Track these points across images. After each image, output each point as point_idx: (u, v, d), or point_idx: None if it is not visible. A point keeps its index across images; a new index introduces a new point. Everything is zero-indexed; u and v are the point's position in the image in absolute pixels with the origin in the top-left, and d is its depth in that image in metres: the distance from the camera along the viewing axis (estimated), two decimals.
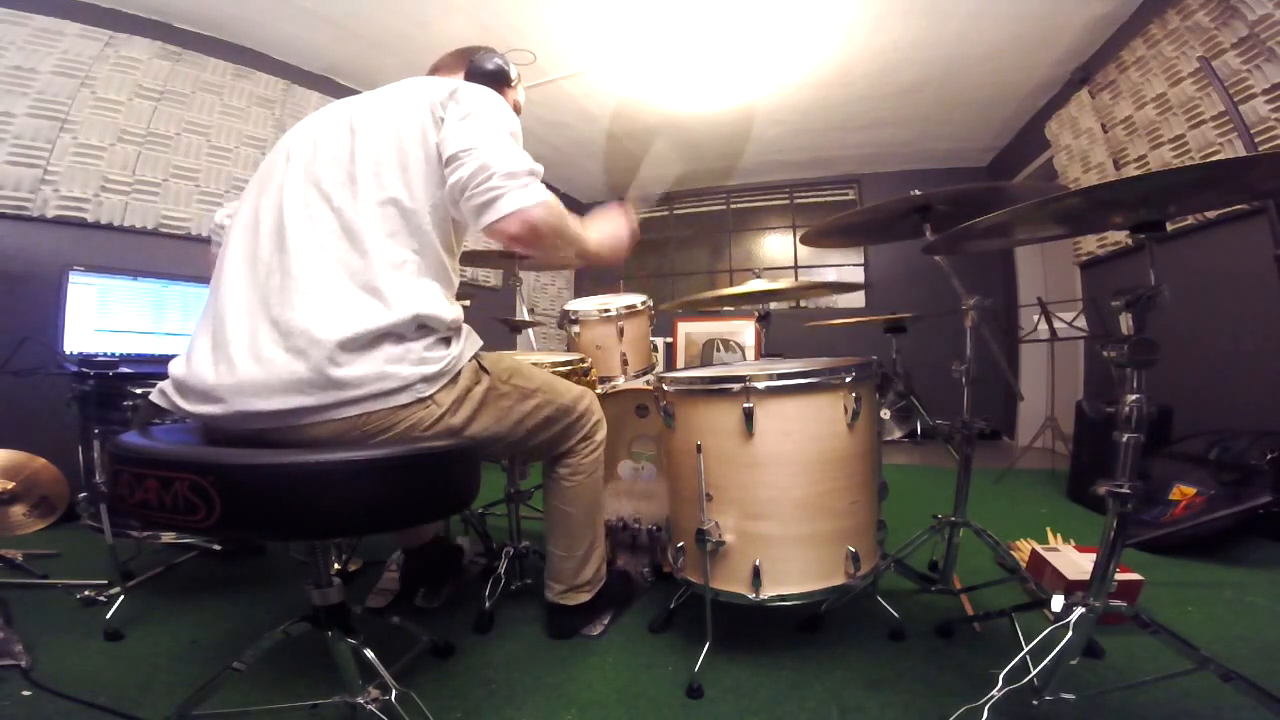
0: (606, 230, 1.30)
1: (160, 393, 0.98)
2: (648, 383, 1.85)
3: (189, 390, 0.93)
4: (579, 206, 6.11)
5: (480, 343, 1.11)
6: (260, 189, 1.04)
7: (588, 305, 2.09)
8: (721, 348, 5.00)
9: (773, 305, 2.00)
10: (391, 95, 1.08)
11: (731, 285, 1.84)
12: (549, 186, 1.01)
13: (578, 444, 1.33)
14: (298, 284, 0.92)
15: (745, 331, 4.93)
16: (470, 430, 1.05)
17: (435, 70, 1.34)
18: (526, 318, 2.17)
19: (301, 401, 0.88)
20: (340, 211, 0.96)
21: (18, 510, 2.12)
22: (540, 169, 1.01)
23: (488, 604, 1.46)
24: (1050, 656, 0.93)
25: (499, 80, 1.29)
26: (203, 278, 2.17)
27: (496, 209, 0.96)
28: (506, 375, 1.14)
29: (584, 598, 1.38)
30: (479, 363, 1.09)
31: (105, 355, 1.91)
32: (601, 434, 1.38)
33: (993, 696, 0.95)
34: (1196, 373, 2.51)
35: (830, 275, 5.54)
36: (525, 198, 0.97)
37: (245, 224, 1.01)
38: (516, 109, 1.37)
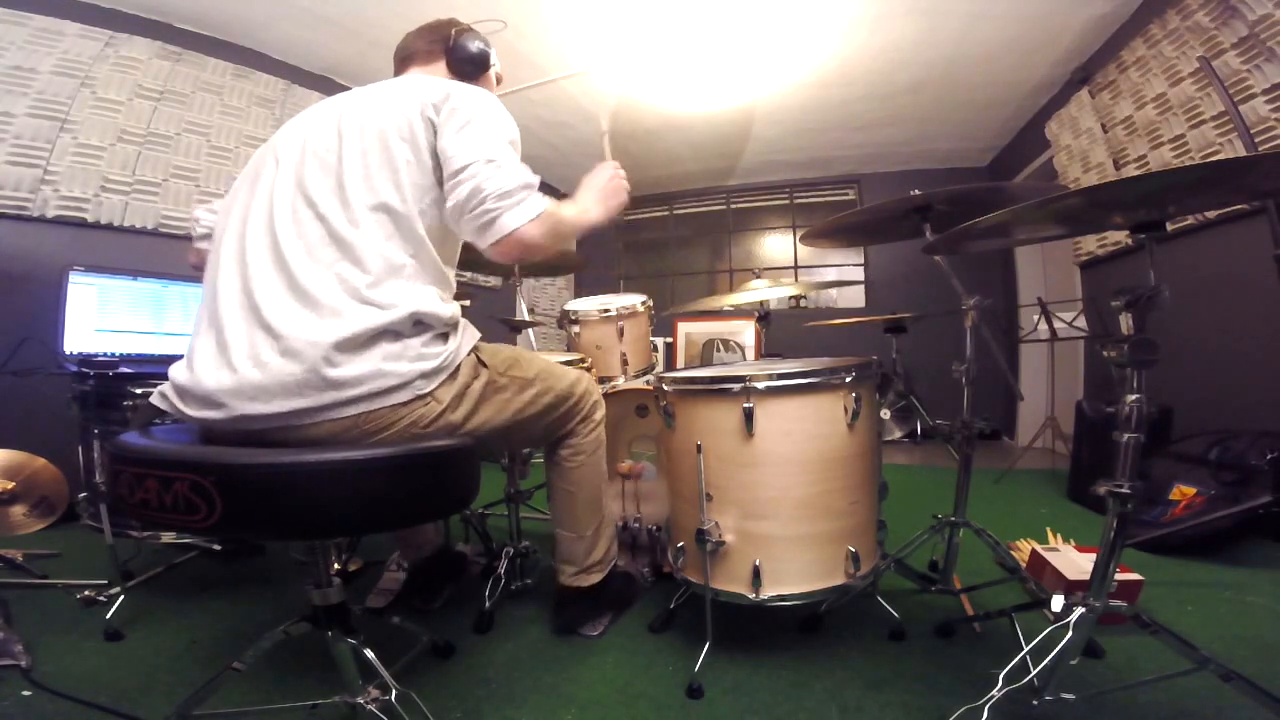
0: (592, 197, 1.22)
1: (161, 396, 0.98)
2: (648, 383, 1.85)
3: (190, 395, 0.93)
4: None
5: (478, 335, 1.11)
6: (250, 191, 1.03)
7: (588, 305, 2.09)
8: (721, 348, 5.00)
9: (773, 305, 2.00)
10: (381, 95, 1.06)
11: (731, 285, 1.85)
12: (550, 188, 1.01)
13: (578, 425, 1.33)
14: (290, 291, 0.91)
15: (745, 331, 4.93)
16: (470, 425, 1.04)
17: (409, 58, 1.26)
18: (526, 318, 2.17)
19: (300, 404, 0.88)
20: (326, 219, 0.95)
21: (18, 510, 2.12)
22: (535, 180, 1.02)
23: (488, 604, 1.46)
24: (1050, 656, 0.93)
25: (483, 65, 1.27)
26: (200, 277, 2.18)
27: (494, 230, 0.97)
28: (505, 367, 1.14)
29: (596, 578, 1.39)
30: (477, 356, 1.08)
31: (105, 355, 1.90)
32: (600, 413, 1.39)
33: (993, 696, 0.95)
34: (1196, 373, 2.51)
35: (830, 275, 5.54)
36: (518, 216, 0.97)
37: (236, 228, 1.00)
38: (499, 80, 1.36)
